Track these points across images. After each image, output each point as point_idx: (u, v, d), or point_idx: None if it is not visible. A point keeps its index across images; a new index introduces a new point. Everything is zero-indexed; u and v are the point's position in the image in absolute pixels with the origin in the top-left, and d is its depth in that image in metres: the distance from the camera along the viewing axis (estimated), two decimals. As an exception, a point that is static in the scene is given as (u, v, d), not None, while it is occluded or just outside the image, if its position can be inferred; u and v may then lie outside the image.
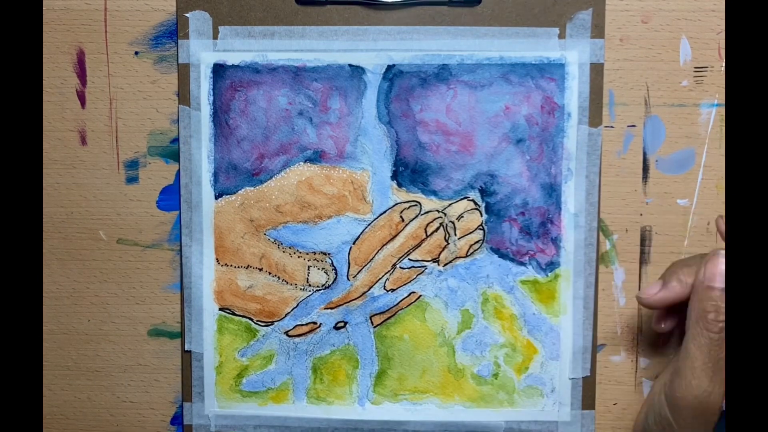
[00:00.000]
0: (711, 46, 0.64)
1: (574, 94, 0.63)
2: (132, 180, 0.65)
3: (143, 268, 0.66)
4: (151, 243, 0.66)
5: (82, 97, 0.65)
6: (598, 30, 0.63)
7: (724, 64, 0.63)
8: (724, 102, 0.63)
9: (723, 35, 0.63)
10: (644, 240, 0.65)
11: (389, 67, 0.63)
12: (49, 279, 0.67)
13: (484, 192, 0.64)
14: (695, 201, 0.64)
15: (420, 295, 0.65)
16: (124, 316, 0.67)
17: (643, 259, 0.65)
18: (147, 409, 0.68)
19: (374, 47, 0.63)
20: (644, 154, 0.64)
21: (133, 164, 0.65)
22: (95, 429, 0.68)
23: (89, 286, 0.67)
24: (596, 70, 0.63)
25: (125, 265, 0.66)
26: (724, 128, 0.64)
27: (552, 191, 0.64)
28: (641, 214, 0.65)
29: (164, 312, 0.67)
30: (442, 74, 0.63)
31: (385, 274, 0.65)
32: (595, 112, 0.63)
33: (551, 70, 0.63)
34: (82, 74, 0.65)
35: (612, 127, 0.64)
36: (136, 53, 0.65)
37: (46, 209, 0.66)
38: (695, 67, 0.64)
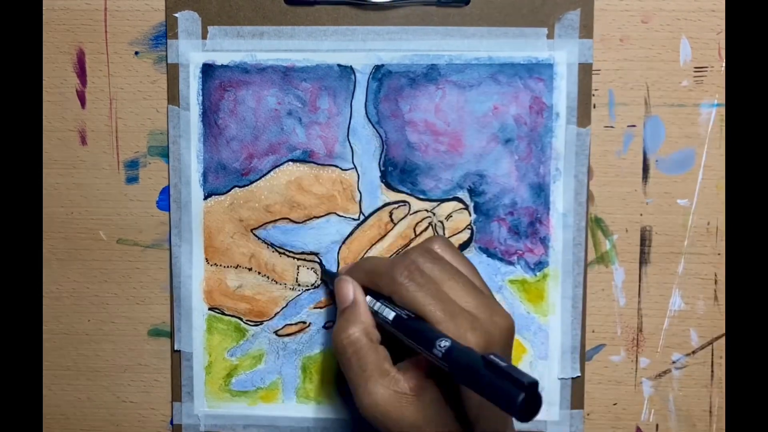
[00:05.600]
0: (711, 46, 0.63)
1: (562, 94, 0.63)
2: (132, 180, 0.66)
3: (143, 268, 0.67)
4: (151, 243, 0.66)
5: (82, 97, 0.65)
6: (586, 30, 0.62)
7: (724, 64, 0.63)
8: (724, 102, 0.63)
9: (723, 35, 0.63)
10: (644, 240, 0.65)
11: (378, 67, 0.63)
12: (49, 279, 0.67)
13: (472, 192, 0.64)
14: (695, 201, 0.64)
15: None
16: (124, 316, 0.67)
17: (643, 259, 0.65)
18: (147, 409, 0.68)
19: (363, 47, 0.63)
20: (644, 154, 0.64)
21: (133, 164, 0.66)
22: (95, 429, 0.69)
23: (89, 286, 0.67)
24: (585, 70, 0.63)
25: (125, 265, 0.67)
26: (724, 128, 0.63)
27: (540, 191, 0.63)
28: (641, 214, 0.64)
29: (164, 312, 0.67)
30: (430, 74, 0.63)
31: (375, 273, 0.65)
32: (583, 112, 0.63)
33: (540, 70, 0.63)
34: (82, 74, 0.65)
35: (612, 127, 0.64)
36: (136, 53, 0.65)
37: (46, 209, 0.66)
38: (695, 67, 0.63)
